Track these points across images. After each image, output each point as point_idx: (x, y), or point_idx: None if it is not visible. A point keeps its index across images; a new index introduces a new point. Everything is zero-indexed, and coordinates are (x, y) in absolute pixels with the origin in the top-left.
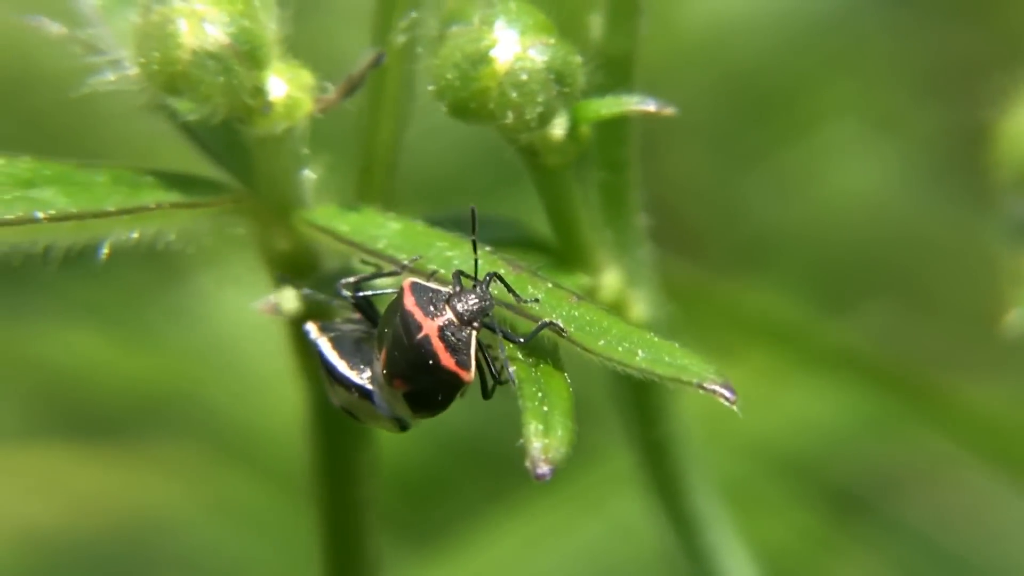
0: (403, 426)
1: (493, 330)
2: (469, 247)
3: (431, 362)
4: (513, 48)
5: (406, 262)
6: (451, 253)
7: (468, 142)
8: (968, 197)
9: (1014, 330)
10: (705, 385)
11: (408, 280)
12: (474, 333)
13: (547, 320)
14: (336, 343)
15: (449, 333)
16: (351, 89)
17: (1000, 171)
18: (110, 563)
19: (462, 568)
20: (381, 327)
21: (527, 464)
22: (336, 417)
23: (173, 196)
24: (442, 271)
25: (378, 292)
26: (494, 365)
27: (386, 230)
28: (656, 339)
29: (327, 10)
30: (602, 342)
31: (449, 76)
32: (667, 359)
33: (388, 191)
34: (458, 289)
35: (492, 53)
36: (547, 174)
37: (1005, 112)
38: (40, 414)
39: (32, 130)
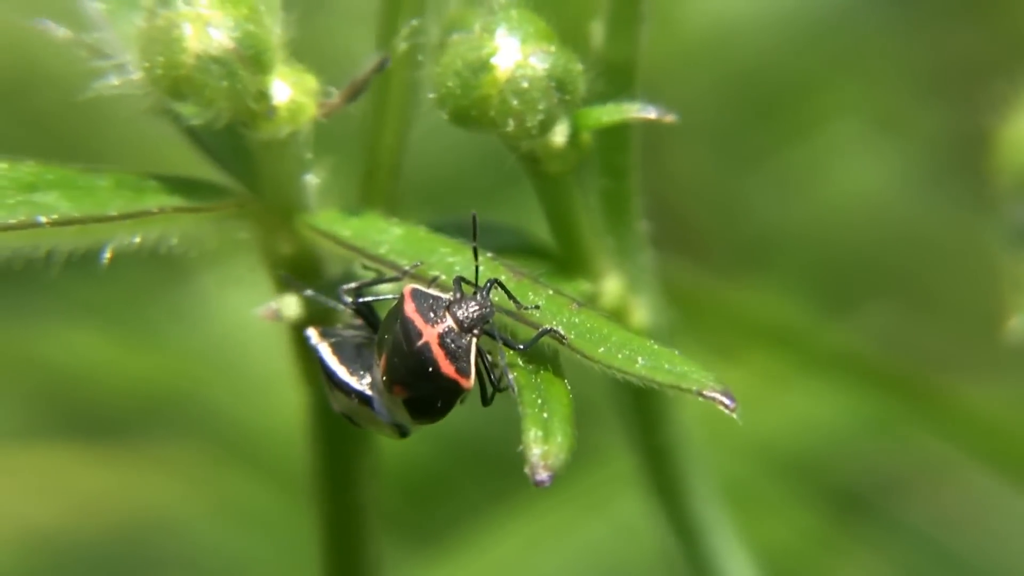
0: (403, 432)
1: (493, 337)
2: (471, 253)
3: (431, 369)
4: (514, 56)
5: (407, 268)
6: (453, 259)
7: (469, 145)
8: (970, 198)
9: (1015, 336)
10: (705, 392)
11: (408, 287)
12: (474, 340)
13: (547, 327)
14: (336, 349)
15: (449, 340)
16: (355, 94)
17: (1001, 177)
18: (112, 563)
19: (464, 569)
20: (381, 333)
21: (526, 470)
22: (337, 422)
23: (176, 200)
24: (443, 277)
25: (379, 298)
26: (494, 372)
27: (388, 235)
28: (656, 346)
29: (332, 12)
30: (602, 349)
31: (450, 84)
32: (667, 366)
33: (391, 195)
34: (458, 296)
35: (493, 61)
36: (548, 181)
37: (1006, 118)
38: (42, 414)
39: (37, 132)
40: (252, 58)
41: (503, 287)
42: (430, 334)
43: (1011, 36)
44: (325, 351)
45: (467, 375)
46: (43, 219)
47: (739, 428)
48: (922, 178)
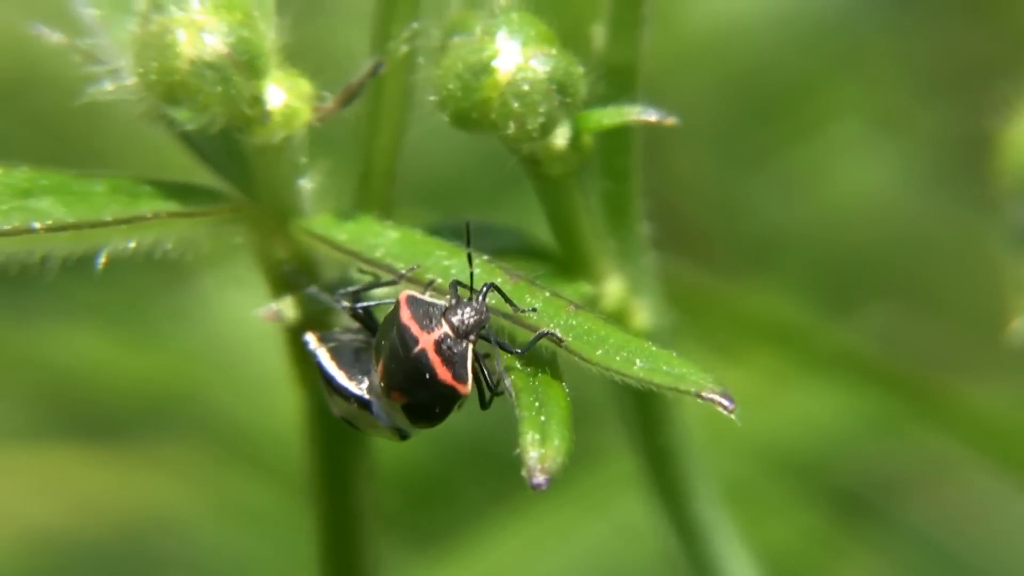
0: (403, 435)
1: (490, 342)
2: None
3: (428, 376)
4: (515, 58)
5: (403, 271)
6: (449, 262)
7: (470, 148)
8: (972, 199)
9: (1017, 336)
10: (703, 394)
11: (404, 293)
12: (470, 346)
13: (544, 330)
14: (335, 354)
15: (445, 347)
16: (349, 98)
17: (1003, 177)
18: (113, 563)
19: (465, 570)
20: (378, 339)
21: (523, 473)
22: (335, 425)
23: (171, 205)
24: (440, 280)
25: (377, 303)
26: (491, 376)
27: (384, 239)
28: (654, 348)
29: (326, 16)
30: (600, 351)
31: (451, 86)
32: (665, 368)
33: (387, 199)
34: (454, 302)
35: (494, 63)
36: (549, 183)
37: (1008, 119)
38: (43, 414)
39: (36, 133)
40: (246, 63)
41: (500, 291)
42: (426, 341)
43: (1013, 36)
44: (323, 356)
45: (464, 381)
46: (37, 225)
47: (741, 429)
48: (924, 179)
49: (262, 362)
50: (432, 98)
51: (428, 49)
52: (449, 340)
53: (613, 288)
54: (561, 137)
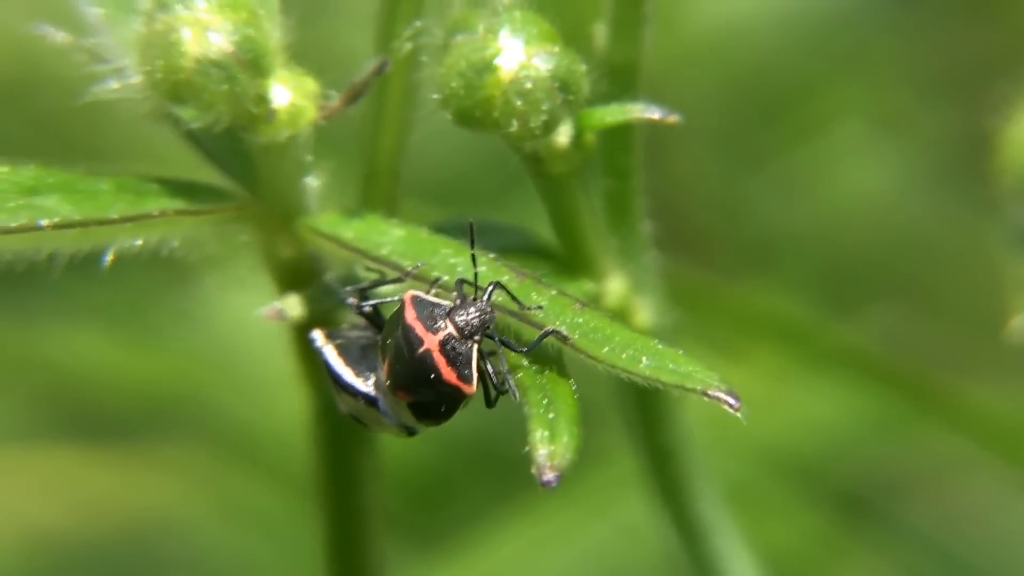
0: (411, 431)
1: (495, 341)
2: (475, 254)
3: (433, 376)
4: (518, 57)
5: (409, 268)
6: (455, 260)
7: (473, 147)
8: (974, 200)
9: (1018, 337)
10: (709, 392)
11: (409, 293)
12: (475, 346)
13: (550, 328)
14: (342, 351)
15: (450, 347)
16: (355, 97)
17: (1005, 178)
18: (115, 565)
19: (468, 570)
20: (384, 338)
21: (533, 471)
22: (340, 423)
23: (177, 203)
24: (446, 278)
25: (383, 300)
26: (496, 376)
27: (390, 237)
28: (660, 346)
29: (331, 15)
30: (606, 349)
31: (454, 85)
32: (671, 366)
33: (392, 197)
34: (459, 302)
35: (497, 62)
36: (552, 182)
37: (1010, 119)
38: (45, 415)
39: (40, 133)
40: (251, 62)
41: (506, 289)
42: (431, 341)
43: (1014, 37)
44: (330, 353)
45: (469, 381)
46: (44, 222)
47: (743, 429)
48: (926, 179)
49: (264, 363)
50: (435, 96)
51: (431, 48)
52: (454, 340)
53: (615, 286)
54: (563, 135)
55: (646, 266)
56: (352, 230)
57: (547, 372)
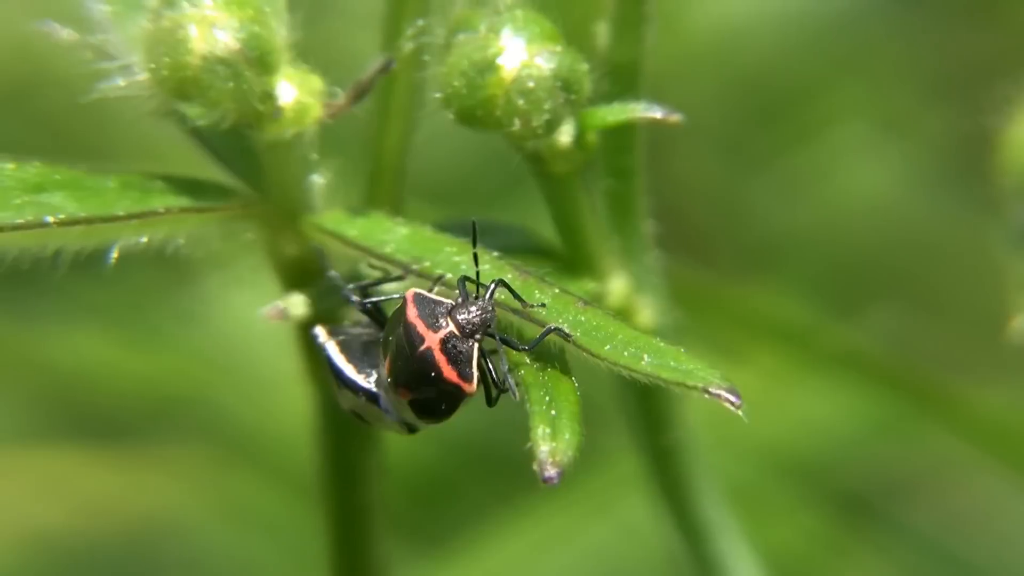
0: (412, 429)
1: (496, 340)
2: (478, 252)
3: (433, 374)
4: (520, 56)
5: (414, 267)
6: (459, 258)
7: (476, 146)
8: (976, 200)
9: (1019, 337)
10: (711, 390)
11: (411, 291)
12: (476, 345)
13: (552, 326)
14: (344, 347)
15: (451, 346)
16: (360, 95)
17: (1006, 178)
18: (117, 565)
19: (470, 571)
20: (386, 335)
21: (535, 467)
22: (344, 420)
23: (182, 201)
24: (449, 276)
25: (386, 298)
26: (497, 376)
27: (394, 235)
28: (662, 344)
29: (336, 14)
30: (608, 347)
31: (456, 84)
32: (672, 364)
33: (396, 197)
34: (460, 300)
35: (499, 61)
36: (554, 181)
37: (1011, 120)
38: (47, 416)
39: (44, 133)
40: (257, 59)
41: (508, 288)
42: (432, 340)
43: (1015, 38)
44: (332, 350)
45: (470, 380)
46: (50, 219)
47: (745, 430)
48: (927, 180)
49: (267, 363)
50: (437, 96)
51: (433, 47)
52: (455, 339)
53: (617, 286)
54: (565, 134)
55: (648, 266)
56: (356, 228)
57: (549, 370)
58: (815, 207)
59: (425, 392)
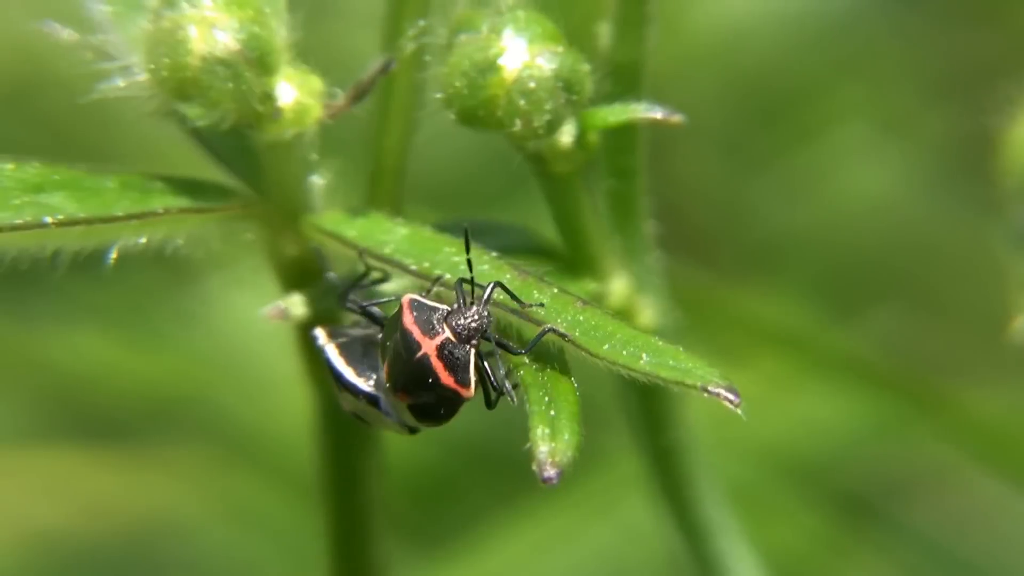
0: (412, 429)
1: (492, 343)
2: (476, 253)
3: (431, 380)
4: (521, 56)
5: (412, 267)
6: (458, 259)
7: (478, 147)
8: (977, 201)
9: (1020, 337)
10: (709, 388)
11: (407, 296)
12: (472, 351)
13: (547, 327)
14: (344, 349)
15: (447, 352)
16: (360, 95)
17: (1007, 179)
18: (118, 566)
19: (471, 572)
20: (383, 339)
21: (534, 468)
22: (344, 421)
23: (182, 201)
24: (447, 276)
25: (383, 300)
26: (495, 379)
27: (394, 235)
28: (660, 343)
29: (337, 15)
30: (607, 346)
31: (457, 84)
32: (671, 362)
33: (396, 197)
34: (457, 305)
35: (500, 61)
36: (555, 181)
37: (1012, 120)
38: (49, 417)
39: (44, 133)
40: (257, 60)
41: (506, 289)
42: (429, 346)
43: (1016, 39)
44: (332, 352)
45: (467, 385)
46: (49, 219)
47: (746, 431)
48: (928, 181)
49: (268, 364)
50: (438, 96)
51: (435, 47)
52: (451, 345)
53: (618, 286)
54: (567, 135)
55: (649, 266)
56: (356, 228)
57: (548, 370)
58: (816, 207)
59: (424, 397)
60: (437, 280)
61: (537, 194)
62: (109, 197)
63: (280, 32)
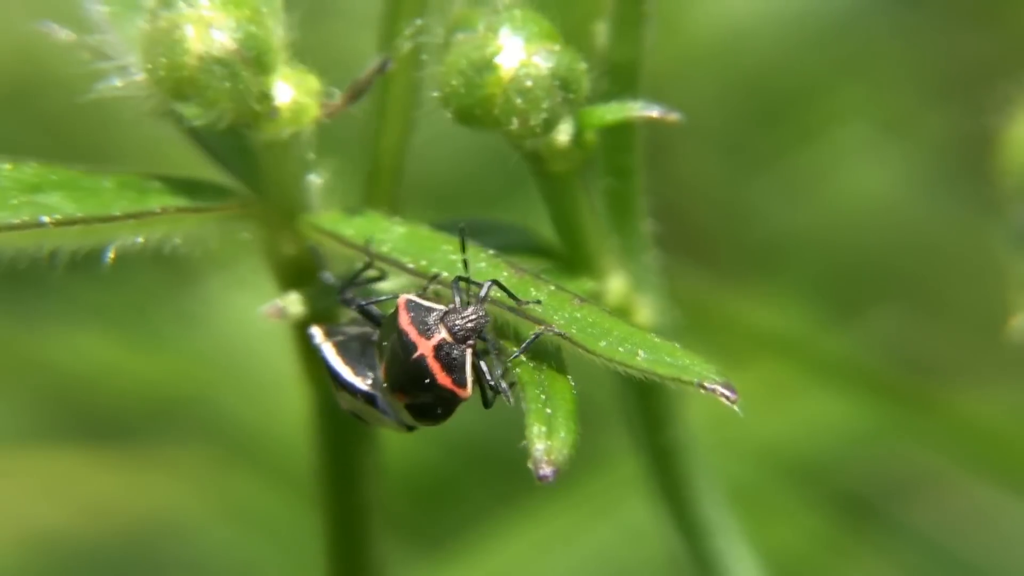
0: (410, 427)
1: (487, 343)
2: (472, 252)
3: (428, 381)
4: (518, 55)
5: (410, 265)
6: (455, 257)
7: (476, 146)
8: (978, 202)
9: (1020, 336)
10: (706, 384)
11: (403, 297)
12: (469, 351)
13: (541, 329)
14: (341, 348)
15: (444, 352)
16: (357, 94)
17: (1007, 179)
18: (119, 566)
19: (471, 572)
20: (380, 339)
21: (530, 466)
22: (342, 420)
23: (179, 201)
24: (445, 274)
25: (380, 299)
26: (492, 379)
27: (391, 234)
28: (657, 340)
29: (334, 15)
30: (603, 343)
31: (454, 83)
32: (668, 359)
33: (394, 196)
34: (453, 305)
35: (497, 60)
36: (553, 180)
37: (1012, 120)
38: (49, 417)
39: (42, 134)
40: (254, 59)
41: (503, 288)
42: (425, 347)
43: (1016, 39)
44: (329, 351)
45: (464, 385)
46: (46, 219)
47: (745, 432)
48: (928, 181)
49: (268, 364)
50: (435, 95)
51: (432, 46)
52: (448, 346)
53: (616, 285)
54: (564, 133)
55: (647, 265)
56: (353, 227)
57: (545, 368)
58: (816, 208)
59: (421, 397)
60: (434, 278)
61: (535, 193)
62: (106, 197)
63: (277, 31)
